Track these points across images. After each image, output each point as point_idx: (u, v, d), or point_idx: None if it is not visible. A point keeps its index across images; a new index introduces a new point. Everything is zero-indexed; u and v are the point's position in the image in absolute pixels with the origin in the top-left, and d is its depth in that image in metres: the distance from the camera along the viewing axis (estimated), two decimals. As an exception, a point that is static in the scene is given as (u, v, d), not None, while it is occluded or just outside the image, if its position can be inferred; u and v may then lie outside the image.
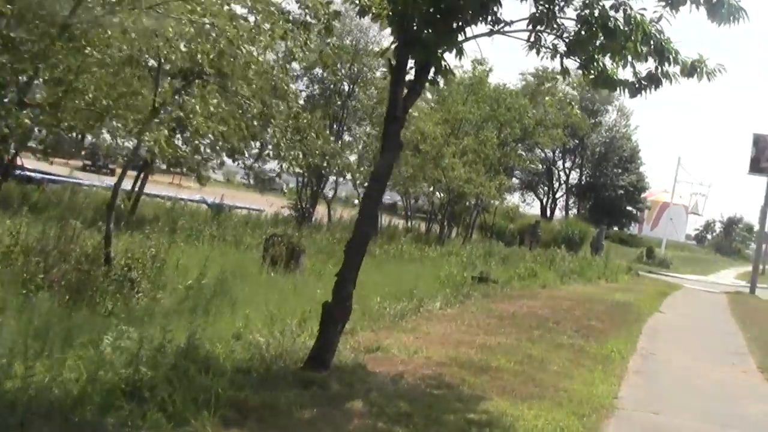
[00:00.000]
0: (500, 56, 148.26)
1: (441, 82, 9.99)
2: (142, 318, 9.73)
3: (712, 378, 13.39)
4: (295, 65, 30.29)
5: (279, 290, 14.50)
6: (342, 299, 9.78)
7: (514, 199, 79.17)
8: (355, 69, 30.80)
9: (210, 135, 14.56)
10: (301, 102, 30.64)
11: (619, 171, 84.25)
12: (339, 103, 31.32)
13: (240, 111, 13.83)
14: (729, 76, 9.32)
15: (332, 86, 31.04)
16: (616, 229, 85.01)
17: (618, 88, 9.62)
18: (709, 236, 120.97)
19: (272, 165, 29.72)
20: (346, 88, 31.39)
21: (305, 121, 17.02)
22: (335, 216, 33.79)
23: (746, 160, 47.72)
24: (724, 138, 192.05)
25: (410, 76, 9.74)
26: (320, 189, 32.59)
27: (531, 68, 50.98)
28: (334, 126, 31.36)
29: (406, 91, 9.66)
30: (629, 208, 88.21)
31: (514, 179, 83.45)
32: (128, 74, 11.93)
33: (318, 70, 31.29)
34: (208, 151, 21.01)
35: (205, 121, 12.56)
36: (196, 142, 15.75)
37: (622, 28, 8.71)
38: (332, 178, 33.55)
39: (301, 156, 17.36)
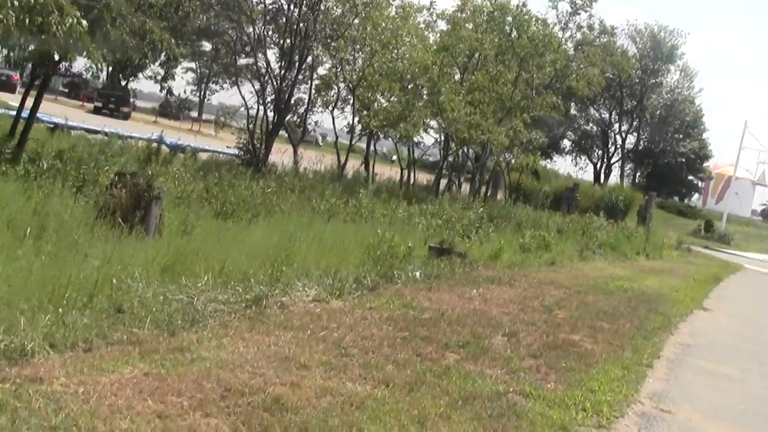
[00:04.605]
0: None
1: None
2: None
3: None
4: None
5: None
6: None
7: (565, 161, 73.64)
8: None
9: None
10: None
11: (680, 137, 77.11)
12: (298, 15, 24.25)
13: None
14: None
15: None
16: (676, 199, 77.38)
17: None
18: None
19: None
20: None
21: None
22: (303, 161, 27.07)
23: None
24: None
25: None
26: (278, 126, 25.66)
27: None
28: (296, 44, 24.37)
29: None
30: (690, 177, 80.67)
31: (565, 140, 77.44)
32: None
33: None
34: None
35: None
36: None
37: None
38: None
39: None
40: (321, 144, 58.33)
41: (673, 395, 8.48)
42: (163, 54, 18.40)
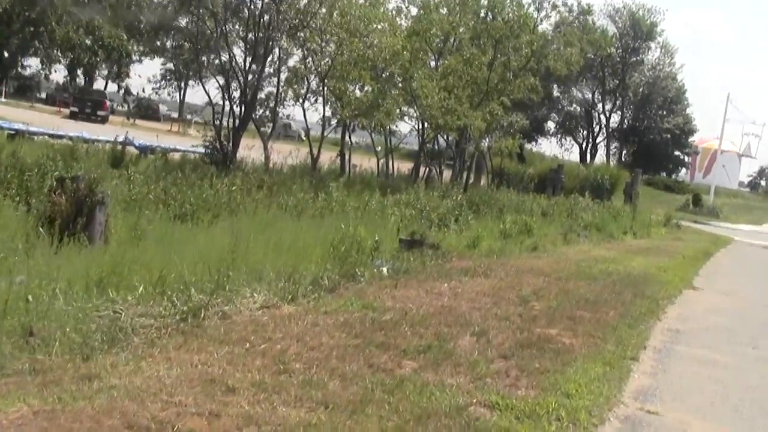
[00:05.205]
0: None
1: None
2: None
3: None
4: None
5: None
6: None
7: (551, 143, 74.25)
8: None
9: None
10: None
11: (664, 113, 77.15)
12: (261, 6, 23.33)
13: None
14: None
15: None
16: (663, 175, 77.11)
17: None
18: (763, 182, 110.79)
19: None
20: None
21: None
22: (276, 157, 26.09)
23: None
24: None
25: None
26: (245, 122, 24.70)
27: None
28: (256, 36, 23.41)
29: None
30: (676, 152, 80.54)
31: (549, 122, 77.06)
32: None
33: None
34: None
35: None
36: None
37: None
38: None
39: None
40: (304, 139, 57.38)
41: (661, 392, 7.64)
42: (114, 51, 17.46)
